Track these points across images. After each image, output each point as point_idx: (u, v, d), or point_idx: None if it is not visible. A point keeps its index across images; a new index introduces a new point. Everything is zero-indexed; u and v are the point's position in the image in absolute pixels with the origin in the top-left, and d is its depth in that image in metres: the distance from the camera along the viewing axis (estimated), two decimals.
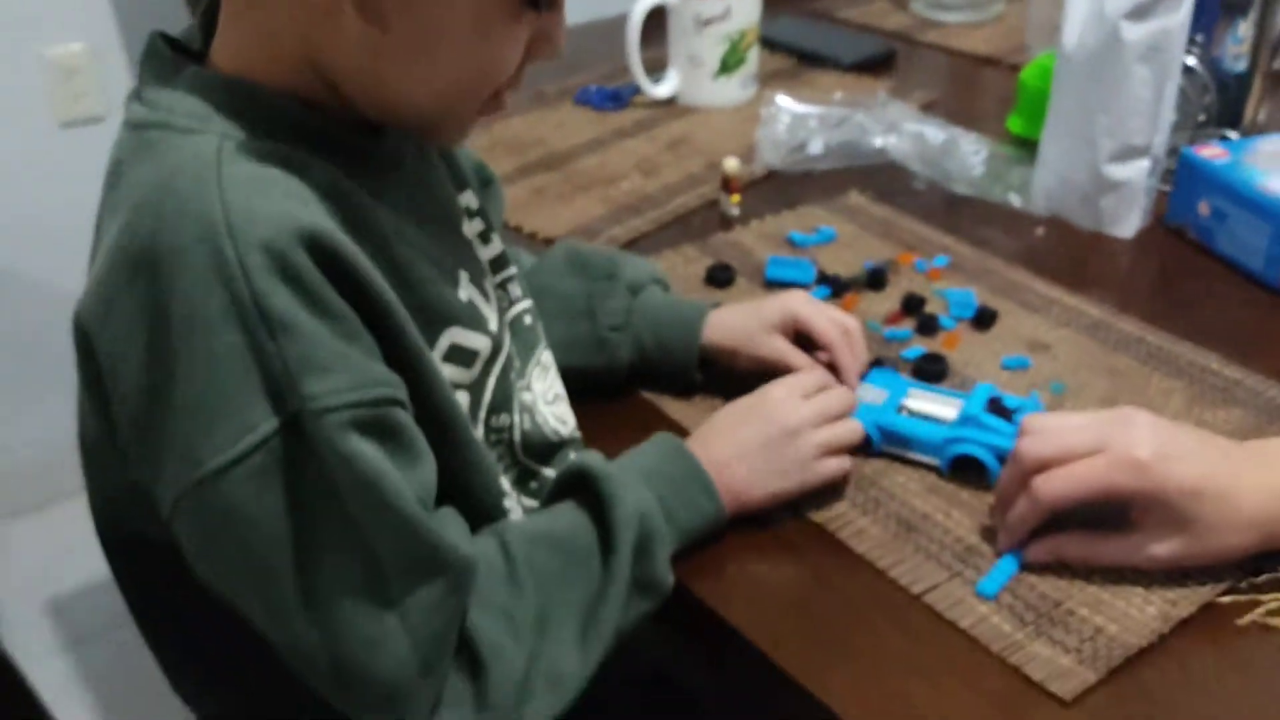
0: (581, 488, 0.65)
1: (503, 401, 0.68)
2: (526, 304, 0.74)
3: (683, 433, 0.77)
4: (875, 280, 0.93)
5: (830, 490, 0.72)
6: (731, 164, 1.05)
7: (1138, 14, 0.91)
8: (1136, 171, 0.96)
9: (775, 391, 0.72)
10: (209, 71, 0.58)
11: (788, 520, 0.71)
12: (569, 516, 0.64)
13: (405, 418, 0.56)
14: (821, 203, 1.07)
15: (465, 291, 0.65)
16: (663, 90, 1.27)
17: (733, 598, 0.66)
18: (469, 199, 0.71)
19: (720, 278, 0.95)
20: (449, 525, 0.58)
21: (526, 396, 0.71)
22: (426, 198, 0.66)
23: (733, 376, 0.80)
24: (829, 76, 1.35)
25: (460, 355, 0.64)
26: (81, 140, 1.70)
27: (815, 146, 1.13)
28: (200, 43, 0.61)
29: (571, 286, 0.82)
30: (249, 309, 0.51)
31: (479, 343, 0.65)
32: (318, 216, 0.54)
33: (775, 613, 0.65)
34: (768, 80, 1.33)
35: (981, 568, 0.67)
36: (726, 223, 1.05)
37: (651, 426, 0.79)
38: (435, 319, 0.62)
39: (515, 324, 0.73)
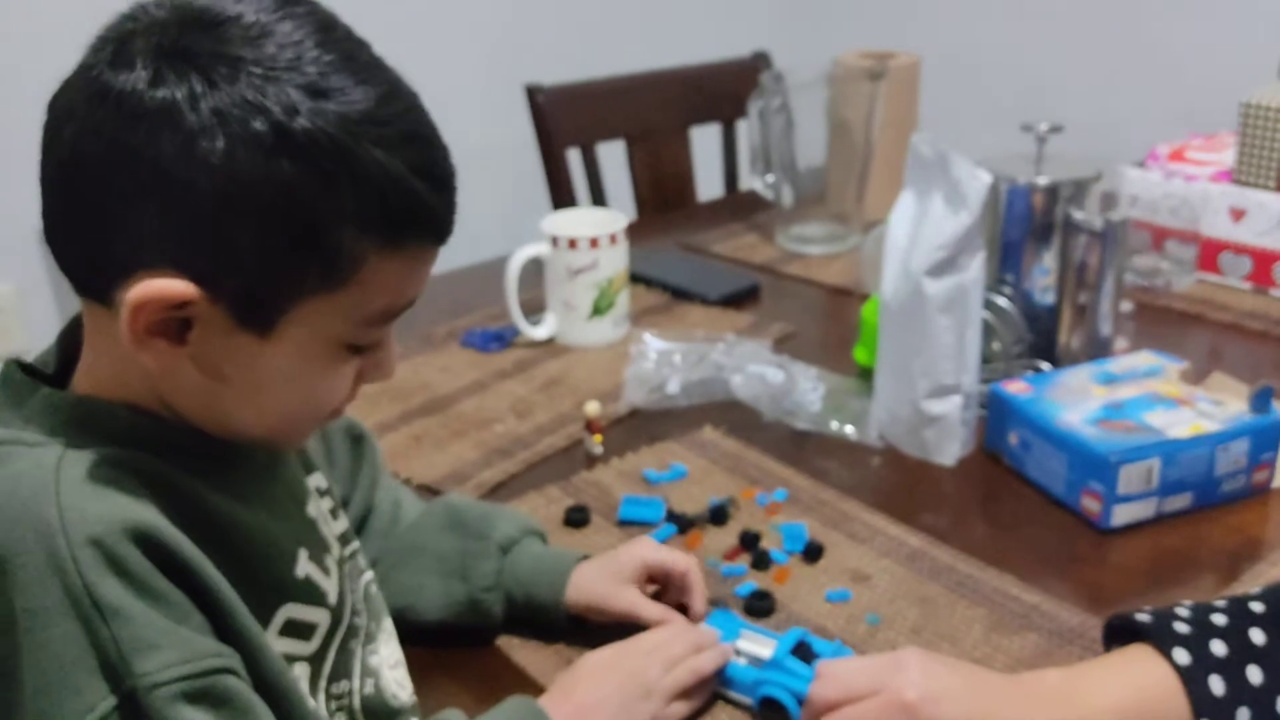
0: None
1: (343, 669, 0.73)
2: (370, 574, 0.81)
3: (534, 685, 0.83)
4: (717, 517, 1.01)
5: None
6: (592, 407, 1.14)
7: (936, 271, 1.03)
8: (951, 406, 1.06)
9: (644, 646, 0.79)
10: (59, 393, 0.66)
11: None
12: None
13: (237, 685, 0.61)
14: (678, 438, 1.15)
15: (303, 569, 0.71)
16: (541, 332, 1.37)
17: None
18: (317, 480, 0.78)
19: (576, 519, 1.02)
20: None
21: (373, 660, 0.77)
22: (271, 484, 0.73)
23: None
24: (698, 311, 1.46)
25: (297, 629, 0.70)
26: None
27: (673, 385, 1.22)
28: (55, 365, 0.68)
29: (447, 546, 0.89)
30: (82, 599, 0.57)
31: (317, 616, 0.71)
32: (148, 512, 0.60)
33: None
34: (640, 316, 1.43)
35: None
36: (590, 461, 1.13)
37: (500, 677, 0.85)
38: (270, 597, 0.68)
39: (367, 592, 0.79)
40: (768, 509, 1.03)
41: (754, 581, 0.93)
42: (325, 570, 0.73)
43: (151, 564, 0.59)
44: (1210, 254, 1.44)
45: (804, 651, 0.79)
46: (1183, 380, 1.05)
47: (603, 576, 0.86)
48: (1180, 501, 0.98)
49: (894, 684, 0.69)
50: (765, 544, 0.97)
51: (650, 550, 0.87)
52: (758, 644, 0.82)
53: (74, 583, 0.57)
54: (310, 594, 0.71)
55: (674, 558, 0.87)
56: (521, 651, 0.87)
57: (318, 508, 0.77)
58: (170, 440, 0.65)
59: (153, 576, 0.59)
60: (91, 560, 0.57)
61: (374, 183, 0.59)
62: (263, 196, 0.58)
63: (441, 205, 0.63)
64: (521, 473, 1.12)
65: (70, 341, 0.69)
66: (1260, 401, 0.98)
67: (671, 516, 1.01)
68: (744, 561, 0.96)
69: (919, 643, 0.84)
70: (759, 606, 0.89)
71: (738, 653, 0.81)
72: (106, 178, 0.58)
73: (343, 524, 0.79)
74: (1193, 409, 1.00)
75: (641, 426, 1.19)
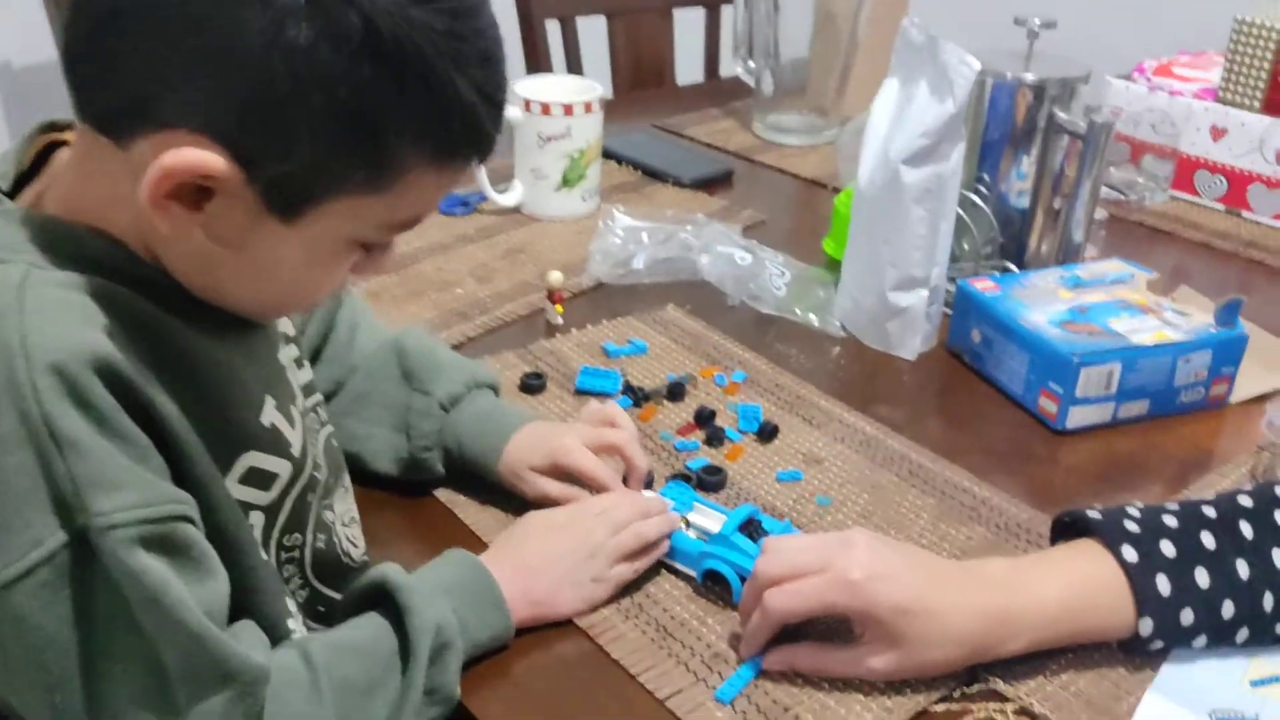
0: (381, 599, 0.69)
1: (297, 522, 0.72)
2: (331, 428, 0.79)
3: (477, 540, 0.82)
4: (674, 393, 1.00)
5: None
6: (555, 276, 1.11)
7: (915, 160, 1.01)
8: (917, 300, 1.05)
9: (592, 509, 0.79)
10: (24, 209, 0.62)
11: (553, 624, 0.76)
12: (370, 626, 0.68)
13: (195, 534, 0.59)
14: (640, 315, 1.14)
15: (269, 417, 0.69)
16: (508, 199, 1.34)
17: (493, 702, 0.70)
18: (286, 325, 0.76)
19: (532, 385, 1.00)
20: (245, 636, 0.62)
21: (328, 515, 0.75)
22: (243, 322, 0.69)
23: None
24: (668, 192, 1.43)
25: (258, 478, 0.68)
26: None
27: (639, 261, 1.20)
28: (11, 180, 0.64)
29: (394, 397, 0.87)
30: (39, 429, 0.54)
31: (279, 467, 0.69)
32: (114, 343, 0.57)
33: (529, 717, 0.70)
34: (610, 193, 1.40)
35: (725, 674, 0.72)
36: (549, 330, 1.11)
37: (446, 533, 0.84)
38: (234, 443, 0.66)
39: (328, 446, 0.77)
40: (725, 389, 1.02)
41: (706, 458, 0.92)
42: (290, 420, 0.71)
43: (115, 400, 0.56)
44: (1186, 172, 1.43)
45: (752, 529, 0.79)
46: (1150, 290, 1.05)
47: (521, 458, 0.84)
48: (1137, 408, 0.98)
49: (840, 562, 0.69)
50: (720, 422, 0.96)
51: (568, 451, 0.83)
52: (709, 518, 0.81)
53: (31, 410, 0.54)
54: (274, 443, 0.69)
55: (586, 465, 0.83)
56: (467, 508, 0.86)
57: (287, 354, 0.75)
58: (145, 275, 0.62)
59: (115, 413, 0.56)
60: (52, 388, 0.55)
61: (443, 101, 0.58)
62: (335, 93, 0.55)
63: (495, 127, 0.62)
64: (479, 337, 1.10)
65: (27, 158, 0.64)
66: (1227, 314, 0.98)
67: (628, 389, 1.00)
68: (698, 437, 0.95)
69: (867, 527, 0.84)
70: (710, 480, 0.88)
71: (688, 524, 0.81)
72: (175, 34, 0.55)
73: (307, 375, 0.77)
74: (1158, 317, 1.00)
75: (604, 301, 1.17)
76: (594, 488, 0.83)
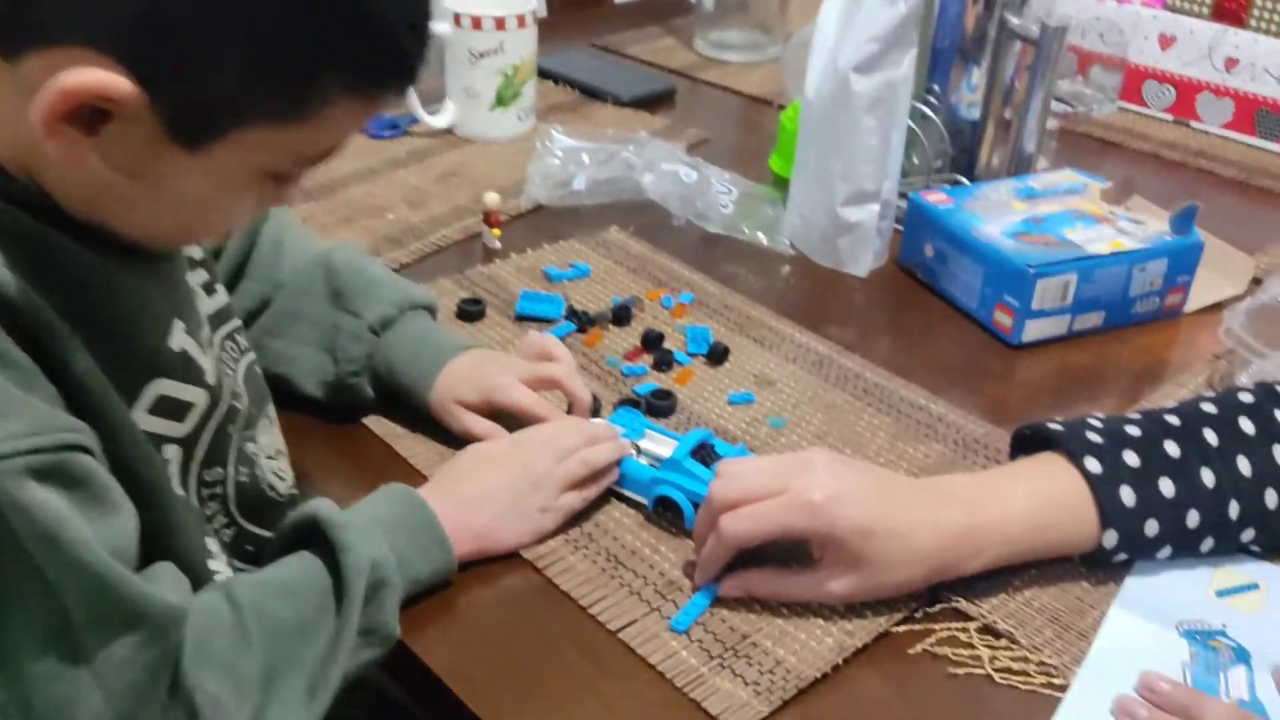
0: (312, 536, 0.65)
1: (217, 456, 0.67)
2: (252, 355, 0.74)
3: (416, 473, 0.78)
4: (620, 317, 0.96)
5: None
6: (492, 198, 1.06)
7: (864, 68, 0.97)
8: (868, 214, 1.02)
9: (536, 438, 0.75)
10: None
11: (498, 558, 0.72)
12: (301, 564, 0.64)
13: (93, 465, 0.55)
14: (582, 238, 1.09)
15: (179, 341, 0.64)
16: (440, 120, 1.28)
17: (436, 640, 0.67)
18: (193, 249, 0.71)
19: (470, 312, 0.96)
20: (160, 577, 0.58)
21: (250, 448, 0.71)
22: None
23: None
24: (608, 111, 1.38)
25: (170, 408, 0.63)
26: None
27: (580, 182, 1.15)
28: None
29: (323, 317, 0.82)
30: None
31: (193, 395, 0.64)
32: None
33: (475, 654, 0.66)
34: (547, 113, 1.35)
35: (679, 602, 0.69)
36: (488, 255, 1.06)
37: (379, 465, 0.80)
38: (140, 370, 0.61)
39: (249, 375, 0.73)
40: (673, 311, 0.98)
41: (655, 382, 0.89)
42: (202, 346, 0.66)
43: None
44: (1134, 82, 1.41)
45: (706, 453, 0.76)
46: (1104, 199, 1.02)
47: (453, 392, 0.80)
48: (1092, 320, 0.96)
49: (799, 484, 0.66)
50: (669, 345, 0.93)
51: (499, 389, 0.79)
52: (660, 444, 0.78)
53: None
54: (186, 370, 0.64)
55: (525, 401, 0.79)
56: (402, 440, 0.82)
57: (194, 279, 0.69)
58: (25, 196, 0.56)
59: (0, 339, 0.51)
60: None
61: (370, 30, 0.54)
62: (257, 16, 0.50)
63: (420, 59, 0.58)
64: (413, 263, 1.05)
65: None
66: (1182, 221, 0.96)
67: (572, 314, 0.96)
68: (645, 362, 0.91)
69: (823, 447, 0.82)
70: (659, 405, 0.85)
71: (639, 451, 0.77)
72: None
73: (220, 301, 0.72)
74: (1113, 226, 0.97)
75: (544, 224, 1.12)
76: (536, 423, 0.79)
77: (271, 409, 0.75)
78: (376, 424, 0.83)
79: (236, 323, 0.73)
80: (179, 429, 0.63)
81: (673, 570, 0.72)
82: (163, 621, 0.55)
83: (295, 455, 0.76)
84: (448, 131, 1.29)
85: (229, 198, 0.59)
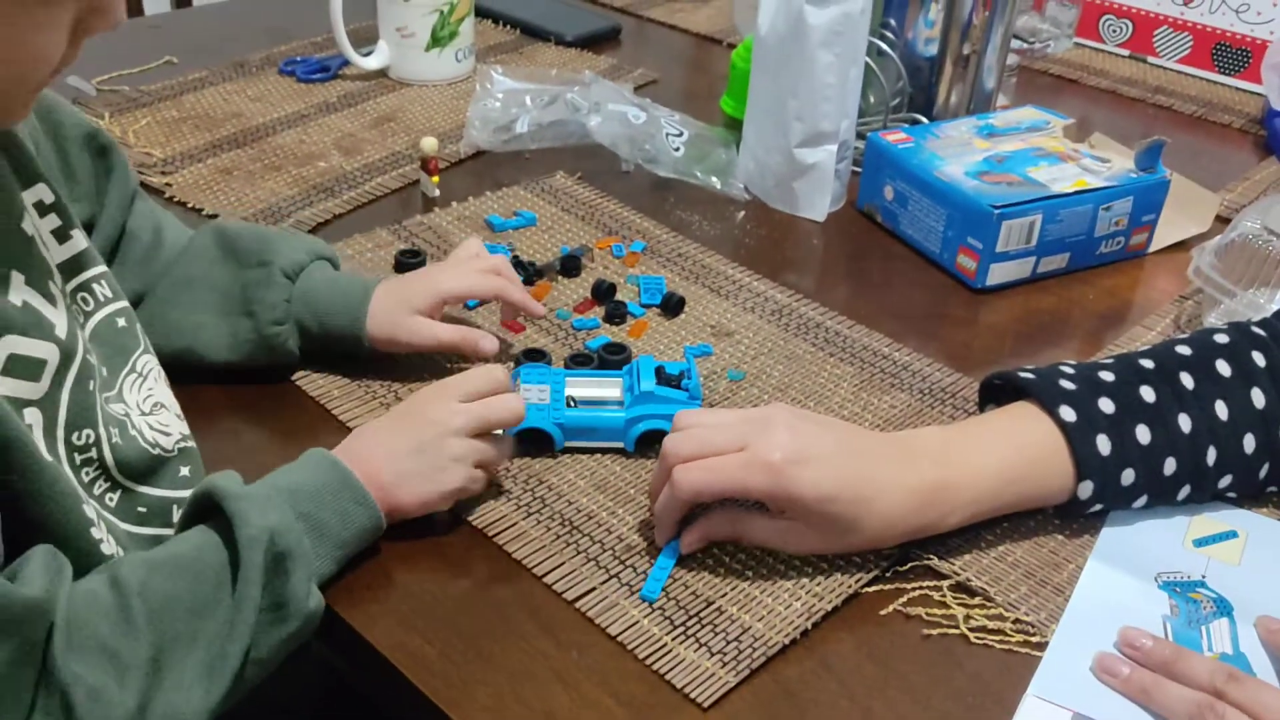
0: (209, 509, 0.60)
1: (83, 418, 0.61)
2: (119, 305, 0.67)
3: (333, 420, 0.75)
4: (569, 267, 0.91)
5: (494, 492, 0.70)
6: (429, 143, 1.01)
7: (820, 0, 0.92)
8: (825, 156, 0.97)
9: (428, 395, 0.69)
10: None
11: (446, 528, 0.68)
12: (194, 539, 0.59)
13: None
14: (527, 184, 1.04)
15: (20, 295, 0.58)
16: (372, 62, 1.21)
17: (380, 616, 0.63)
18: (41, 192, 0.64)
19: (409, 264, 0.90)
20: (29, 564, 0.53)
21: (117, 408, 0.65)
22: None
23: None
24: (550, 51, 1.32)
25: (22, 366, 0.57)
26: None
27: (522, 125, 1.09)
28: None
29: (225, 278, 0.77)
30: None
31: (44, 351, 0.58)
32: None
33: (424, 629, 0.62)
34: (486, 54, 1.29)
35: (639, 568, 0.65)
36: (427, 204, 1.01)
37: (317, 428, 0.75)
38: None
39: (103, 329, 0.66)
40: (624, 260, 0.93)
41: (607, 335, 0.84)
42: (50, 298, 0.60)
43: None
44: (1091, 17, 1.37)
45: (667, 379, 0.72)
46: (1066, 136, 0.99)
47: (396, 305, 0.77)
48: (1057, 262, 0.93)
49: (759, 443, 0.62)
50: (621, 296, 0.88)
51: (449, 279, 0.78)
52: (595, 386, 0.74)
53: None
54: (33, 324, 0.58)
55: (478, 284, 0.79)
56: (324, 389, 0.77)
57: (35, 226, 0.63)
58: None
59: None
60: None
61: None
62: None
63: None
64: (347, 214, 0.99)
65: None
66: (1148, 157, 0.93)
67: (518, 265, 0.91)
68: (597, 314, 0.87)
69: (785, 401, 0.78)
70: (612, 360, 0.80)
71: (573, 401, 0.73)
72: None
73: (72, 249, 0.65)
74: (1077, 164, 0.94)
75: (486, 170, 1.07)
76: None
77: (142, 362, 0.69)
78: (308, 382, 0.78)
79: (96, 270, 0.67)
80: (35, 390, 0.58)
81: (631, 534, 0.68)
82: (18, 615, 0.50)
83: (218, 426, 0.71)
84: (381, 74, 1.22)
85: (24, 20, 0.51)
